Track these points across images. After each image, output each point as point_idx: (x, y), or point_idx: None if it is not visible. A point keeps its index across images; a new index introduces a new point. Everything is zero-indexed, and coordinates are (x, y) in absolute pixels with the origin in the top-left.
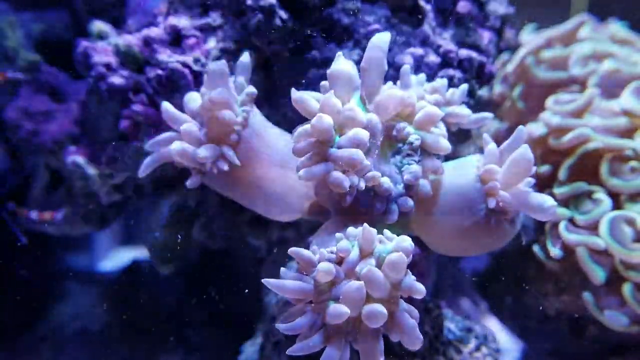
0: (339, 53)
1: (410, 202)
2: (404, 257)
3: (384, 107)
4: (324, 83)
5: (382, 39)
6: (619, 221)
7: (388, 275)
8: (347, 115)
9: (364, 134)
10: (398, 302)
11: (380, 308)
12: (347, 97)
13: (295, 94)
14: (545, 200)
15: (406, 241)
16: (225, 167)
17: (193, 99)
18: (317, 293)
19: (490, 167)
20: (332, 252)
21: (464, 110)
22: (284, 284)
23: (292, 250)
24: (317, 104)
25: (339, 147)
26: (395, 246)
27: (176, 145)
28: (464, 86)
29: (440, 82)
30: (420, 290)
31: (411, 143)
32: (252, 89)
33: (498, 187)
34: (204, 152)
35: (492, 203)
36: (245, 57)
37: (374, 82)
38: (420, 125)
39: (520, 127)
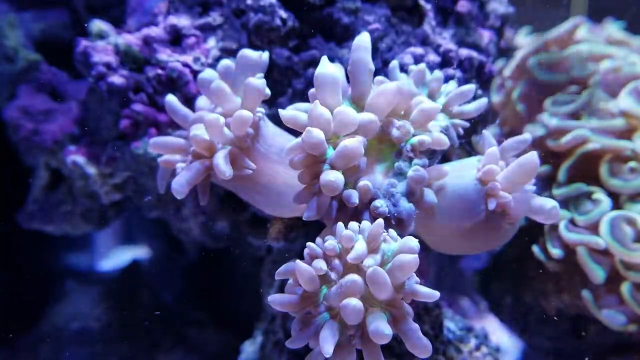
0: (335, 56)
1: (411, 226)
2: (416, 259)
3: (379, 105)
4: (312, 91)
5: (363, 40)
6: (620, 221)
7: (395, 276)
8: (338, 120)
9: (353, 144)
10: (401, 305)
11: (386, 328)
12: (335, 101)
13: (284, 114)
14: (547, 202)
15: (412, 241)
16: (246, 172)
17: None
18: (308, 303)
19: (489, 168)
20: (330, 243)
21: (464, 88)
22: (272, 297)
23: (279, 272)
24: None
25: (330, 163)
26: (401, 246)
27: (195, 164)
28: (453, 82)
29: (436, 74)
30: (427, 294)
31: (415, 144)
32: (267, 91)
33: (499, 188)
34: (227, 169)
35: (492, 204)
36: (265, 56)
37: (363, 83)
38: (419, 123)
39: (529, 131)
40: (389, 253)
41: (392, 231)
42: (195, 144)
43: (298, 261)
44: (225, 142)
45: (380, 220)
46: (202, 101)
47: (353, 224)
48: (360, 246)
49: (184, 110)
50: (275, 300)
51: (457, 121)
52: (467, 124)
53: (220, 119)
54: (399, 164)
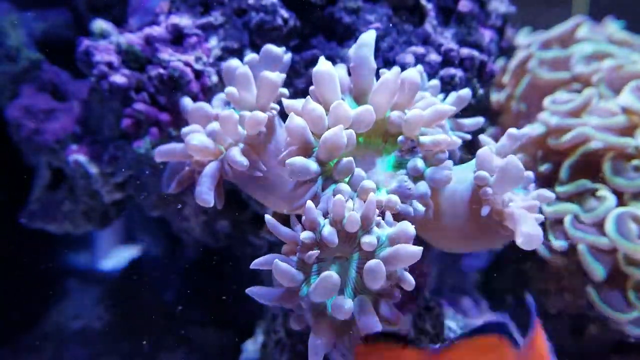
0: (336, 56)
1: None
2: (419, 252)
3: (380, 98)
4: (311, 88)
5: (368, 37)
6: (626, 217)
7: (393, 264)
8: (333, 115)
9: (333, 133)
10: (392, 294)
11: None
12: (334, 97)
13: (285, 102)
14: (529, 231)
15: (409, 227)
16: (257, 173)
17: (220, 98)
18: (292, 300)
19: (479, 174)
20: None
21: (461, 93)
22: (255, 290)
23: (255, 263)
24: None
25: (316, 156)
26: (398, 231)
27: (208, 169)
28: (454, 94)
29: (433, 82)
30: (410, 282)
31: (428, 143)
32: (285, 90)
33: (489, 194)
34: (243, 159)
35: (485, 210)
36: (288, 56)
37: (365, 80)
38: (430, 122)
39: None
40: (383, 238)
41: (388, 214)
42: (196, 153)
43: (277, 261)
44: (237, 140)
45: (373, 201)
46: (216, 102)
47: (344, 200)
48: (354, 216)
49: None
50: (254, 291)
51: (459, 133)
52: (469, 137)
53: (234, 114)
54: (414, 163)
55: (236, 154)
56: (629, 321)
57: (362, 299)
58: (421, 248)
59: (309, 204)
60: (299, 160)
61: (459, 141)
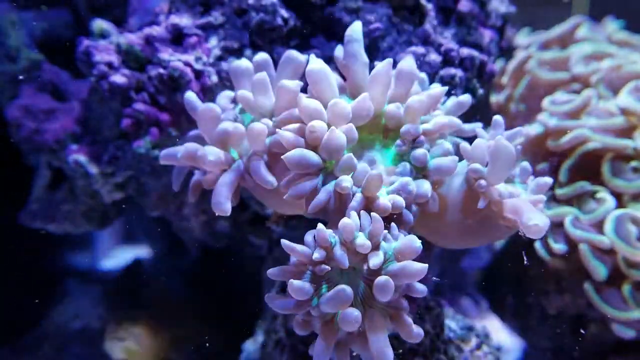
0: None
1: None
2: (424, 269)
3: (375, 91)
4: (308, 89)
5: (355, 30)
6: (625, 219)
7: (400, 280)
8: (331, 112)
9: (332, 137)
10: (400, 304)
11: (390, 353)
12: (330, 94)
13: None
14: (536, 218)
15: (416, 242)
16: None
17: (226, 96)
18: (303, 308)
19: (472, 167)
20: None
21: (461, 98)
22: (272, 299)
23: (271, 273)
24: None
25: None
26: (404, 247)
27: (225, 178)
28: (453, 97)
29: (434, 87)
30: (421, 290)
31: (430, 128)
32: None
33: (484, 185)
34: (272, 179)
35: (482, 203)
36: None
37: (359, 76)
38: (426, 109)
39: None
40: (390, 252)
41: (394, 227)
42: (213, 168)
43: (292, 280)
44: (262, 151)
45: (380, 219)
46: (222, 100)
47: (353, 219)
48: (363, 239)
49: (200, 105)
50: (274, 302)
51: (456, 139)
52: (467, 144)
53: (265, 130)
54: (418, 153)
55: (263, 172)
56: (619, 321)
57: (374, 318)
58: (426, 265)
59: (321, 226)
60: (298, 151)
61: (459, 122)
